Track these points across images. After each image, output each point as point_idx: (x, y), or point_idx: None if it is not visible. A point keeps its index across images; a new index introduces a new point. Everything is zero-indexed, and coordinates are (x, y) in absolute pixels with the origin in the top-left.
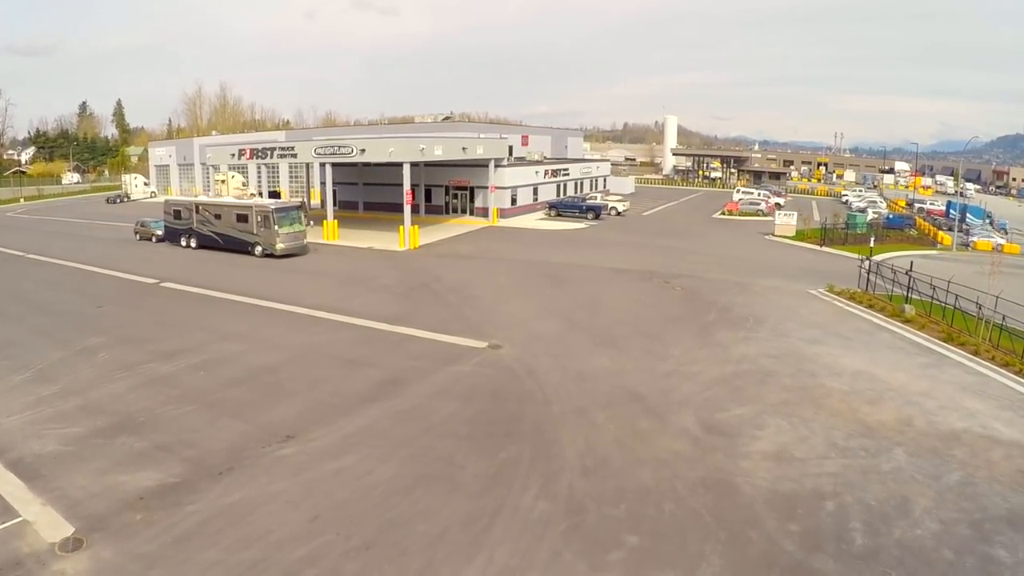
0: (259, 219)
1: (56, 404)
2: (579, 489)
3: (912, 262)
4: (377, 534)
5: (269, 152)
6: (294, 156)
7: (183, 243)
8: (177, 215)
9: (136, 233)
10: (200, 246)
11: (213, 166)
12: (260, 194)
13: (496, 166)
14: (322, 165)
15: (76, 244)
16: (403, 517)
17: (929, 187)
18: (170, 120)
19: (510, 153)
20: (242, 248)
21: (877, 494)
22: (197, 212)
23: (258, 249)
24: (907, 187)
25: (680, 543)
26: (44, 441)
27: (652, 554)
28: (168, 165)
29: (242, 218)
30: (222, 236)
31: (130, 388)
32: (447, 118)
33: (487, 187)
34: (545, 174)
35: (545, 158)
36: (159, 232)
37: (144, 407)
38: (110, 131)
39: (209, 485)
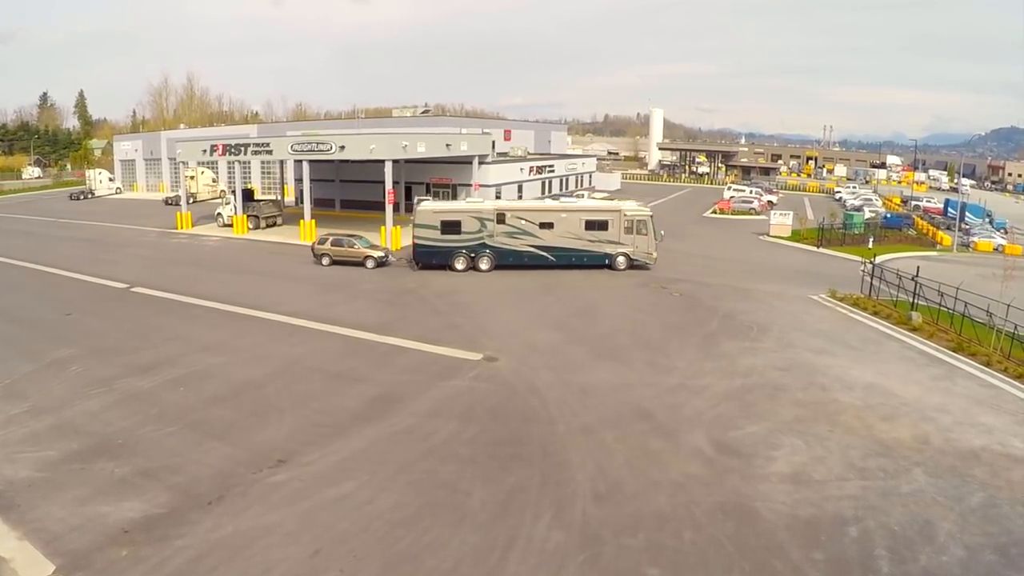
0: (627, 225)
1: (28, 424)
2: (594, 517)
3: (919, 267)
4: (384, 571)
5: (242, 148)
6: (269, 153)
7: (459, 265)
8: (452, 228)
9: (321, 256)
10: (498, 266)
11: (182, 162)
12: (233, 192)
13: (480, 163)
14: (298, 161)
15: (40, 244)
16: (410, 551)
17: (922, 182)
18: (135, 112)
19: (493, 149)
20: (596, 262)
21: (900, 518)
22: (501, 222)
23: (620, 261)
24: (900, 182)
25: None
26: (17, 466)
27: None
28: (134, 160)
29: (597, 225)
30: (555, 250)
31: (106, 406)
32: (426, 111)
33: (470, 185)
34: (530, 171)
35: (529, 154)
36: (378, 254)
37: (122, 428)
38: (72, 123)
39: (199, 516)
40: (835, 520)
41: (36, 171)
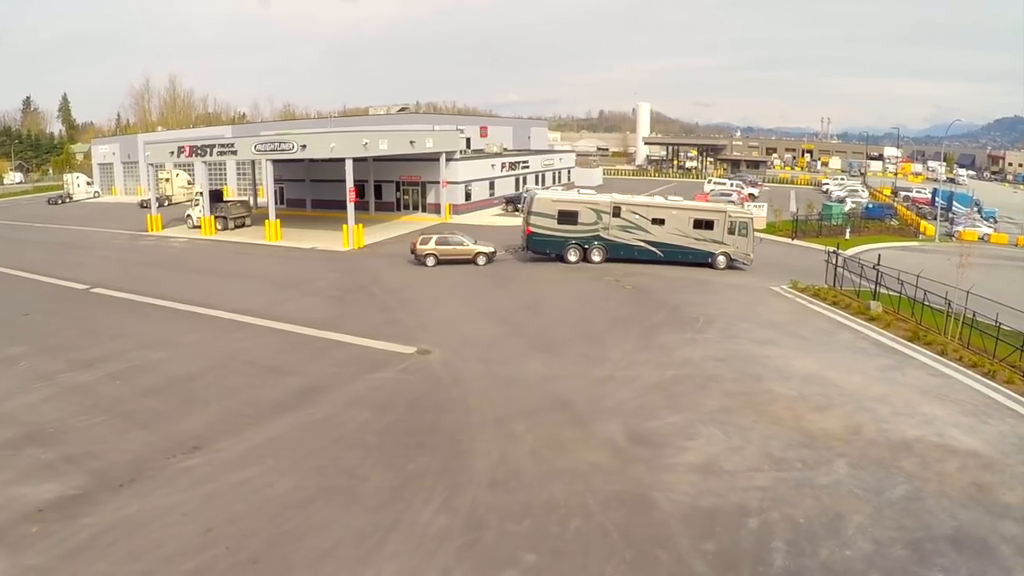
0: (729, 225)
1: None
2: (483, 503)
3: (880, 255)
4: (266, 548)
5: (209, 149)
6: (234, 153)
7: (572, 257)
8: (568, 218)
9: (425, 256)
10: (608, 259)
11: (154, 164)
12: (200, 194)
13: (448, 160)
14: (266, 162)
15: (10, 248)
16: (296, 531)
17: (920, 174)
18: (118, 115)
19: (468, 145)
20: (700, 260)
21: (808, 510)
22: (616, 215)
23: (720, 260)
24: (896, 174)
25: (581, 563)
26: None
27: (548, 574)
28: (112, 163)
29: (704, 224)
30: (664, 246)
31: (45, 398)
32: (402, 109)
33: (439, 182)
34: (502, 167)
35: (505, 150)
36: (488, 250)
37: (56, 418)
38: (56, 127)
39: (108, 497)
40: (736, 511)
41: (18, 176)
